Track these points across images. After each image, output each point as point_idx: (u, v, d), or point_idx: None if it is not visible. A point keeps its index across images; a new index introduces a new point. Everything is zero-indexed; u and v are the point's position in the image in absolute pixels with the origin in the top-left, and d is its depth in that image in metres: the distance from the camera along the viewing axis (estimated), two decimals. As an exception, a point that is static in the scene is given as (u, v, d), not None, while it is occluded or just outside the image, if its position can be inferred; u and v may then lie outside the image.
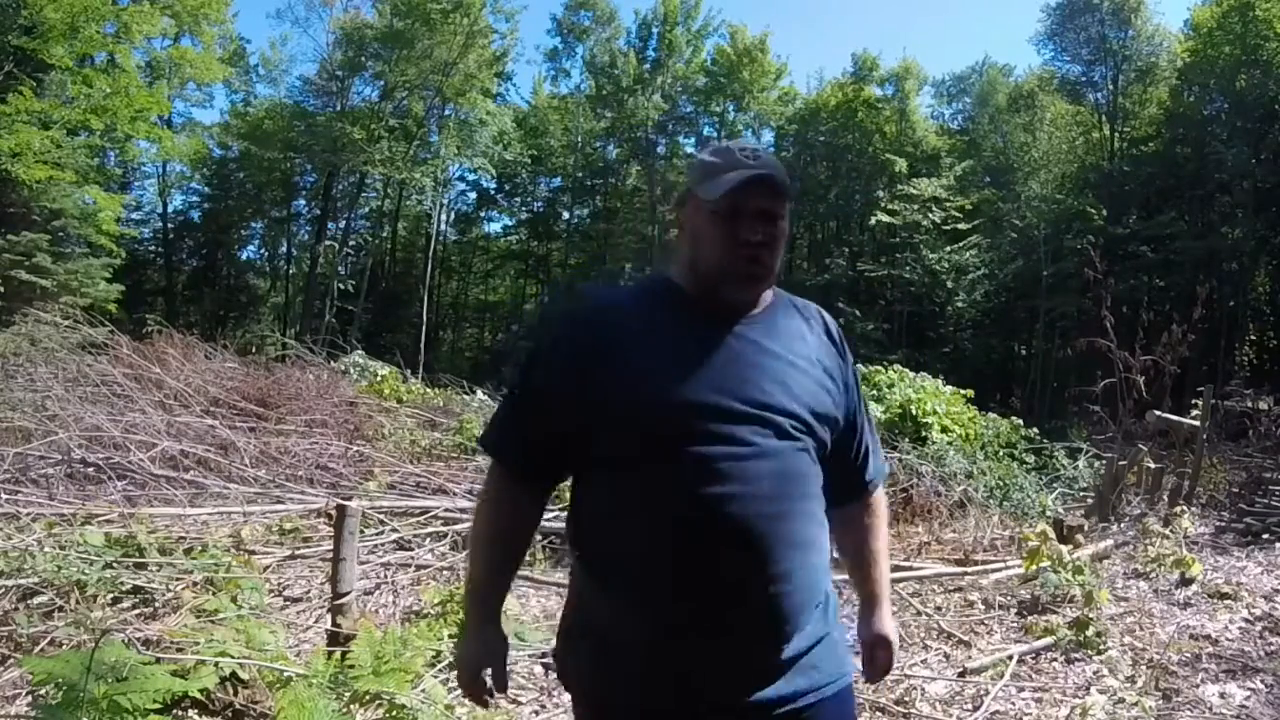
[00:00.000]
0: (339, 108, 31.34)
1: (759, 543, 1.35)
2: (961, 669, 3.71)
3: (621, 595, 1.40)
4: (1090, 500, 7.64)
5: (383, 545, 4.79)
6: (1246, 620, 4.46)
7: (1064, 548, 4.90)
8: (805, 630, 1.41)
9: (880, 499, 1.67)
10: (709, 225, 1.42)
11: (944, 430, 8.88)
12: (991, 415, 10.28)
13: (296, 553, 4.47)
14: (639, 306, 1.49)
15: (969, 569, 5.49)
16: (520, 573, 4.78)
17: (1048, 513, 7.16)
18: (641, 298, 1.53)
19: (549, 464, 1.48)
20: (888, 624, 1.63)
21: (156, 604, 3.46)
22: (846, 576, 1.71)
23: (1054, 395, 26.66)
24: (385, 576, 4.36)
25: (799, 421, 1.41)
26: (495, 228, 41.60)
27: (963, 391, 10.11)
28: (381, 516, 5.02)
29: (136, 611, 3.41)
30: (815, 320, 1.55)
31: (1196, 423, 8.08)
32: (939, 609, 4.65)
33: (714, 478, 1.34)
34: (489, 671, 1.50)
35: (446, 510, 5.43)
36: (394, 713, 2.60)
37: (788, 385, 1.42)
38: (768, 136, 35.42)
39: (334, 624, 3.18)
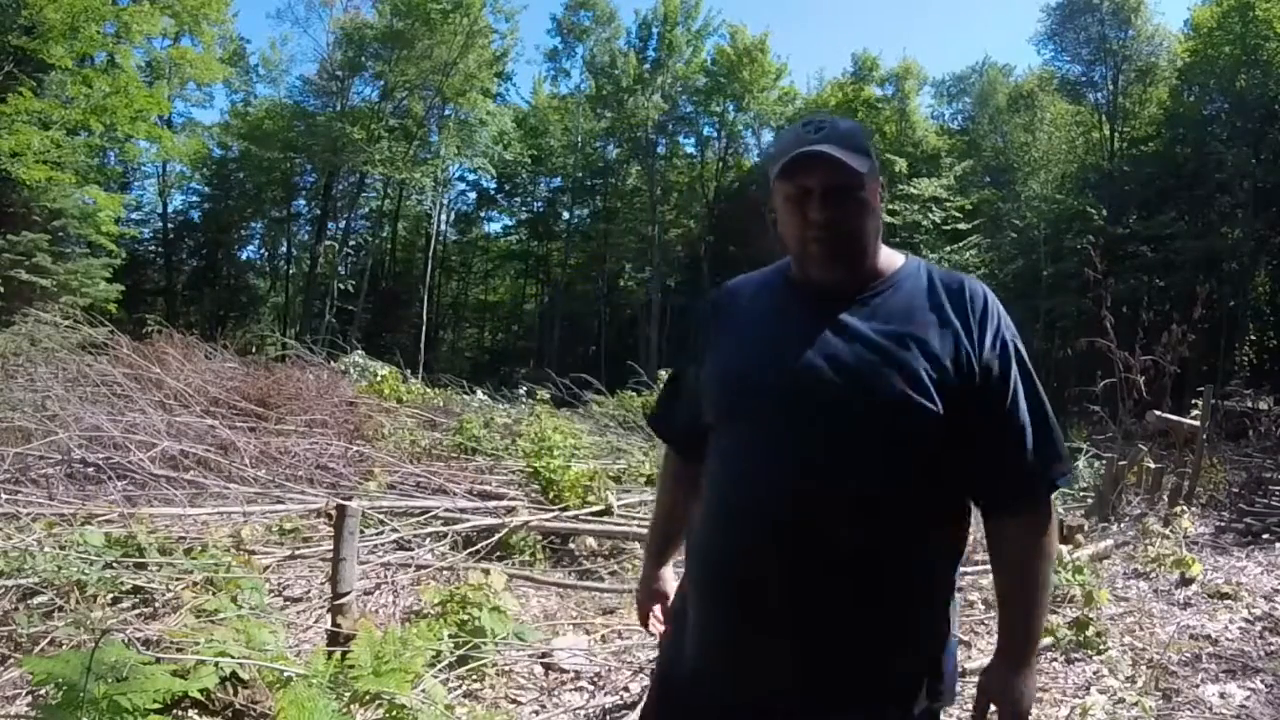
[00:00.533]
0: (339, 108, 31.35)
1: (777, 538, 1.28)
2: (961, 669, 3.70)
3: (687, 569, 1.50)
4: (1090, 500, 7.64)
5: (383, 545, 4.79)
6: (1246, 620, 4.46)
7: (1064, 548, 4.90)
8: (837, 662, 1.29)
9: (1030, 523, 1.35)
10: (782, 208, 1.40)
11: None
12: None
13: (296, 553, 4.46)
14: (757, 289, 1.51)
15: (968, 569, 5.49)
16: (520, 573, 4.81)
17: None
18: (763, 282, 1.53)
19: (691, 434, 1.52)
20: (1011, 682, 1.34)
21: (156, 604, 3.46)
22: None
23: (1054, 395, 26.51)
24: (385, 576, 4.36)
25: (850, 406, 1.28)
26: (495, 228, 41.72)
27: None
28: (381, 516, 5.01)
29: (136, 611, 3.41)
30: (950, 295, 1.35)
31: (1196, 423, 8.07)
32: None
33: (740, 458, 1.36)
34: (656, 609, 1.72)
35: (446, 510, 5.42)
36: (394, 713, 2.60)
37: (846, 364, 1.30)
38: (768, 137, 35.42)
39: (334, 624, 3.18)
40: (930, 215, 31.20)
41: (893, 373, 1.28)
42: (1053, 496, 1.35)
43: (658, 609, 1.72)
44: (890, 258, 1.43)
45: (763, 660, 1.32)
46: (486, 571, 3.90)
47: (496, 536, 5.06)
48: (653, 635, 1.74)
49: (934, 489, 1.31)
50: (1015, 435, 1.31)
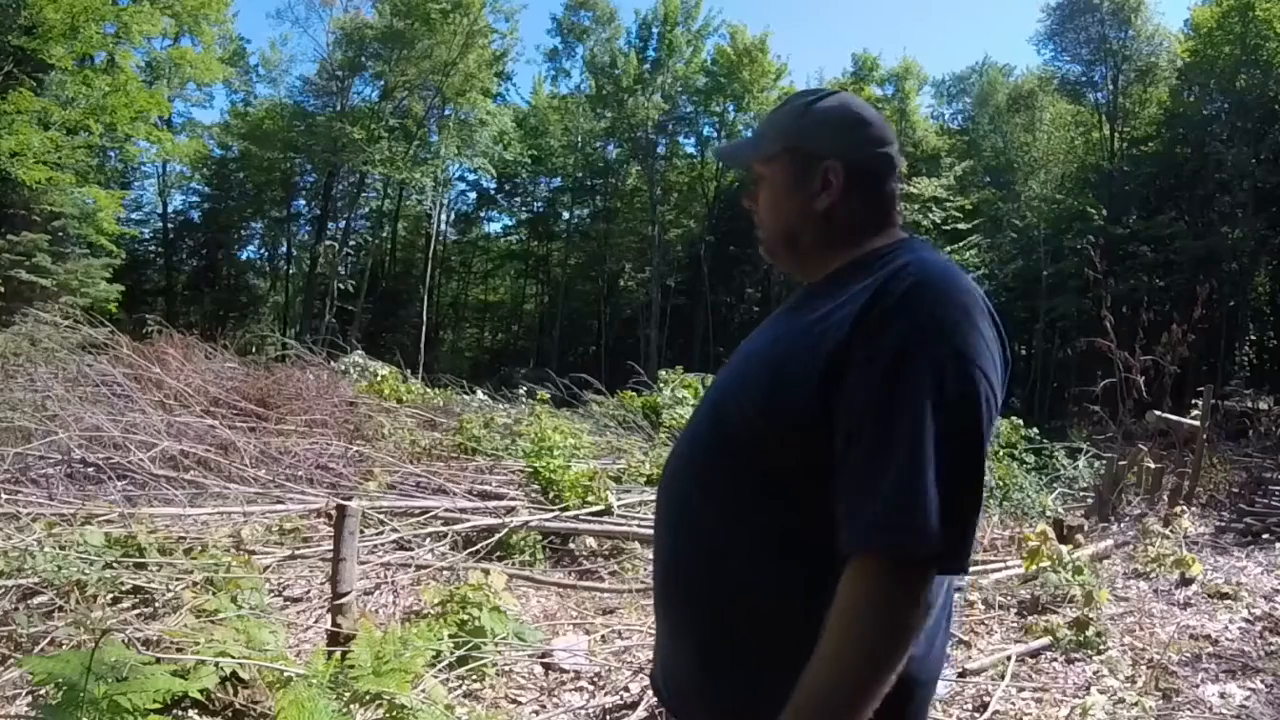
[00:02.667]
0: (339, 108, 31.36)
1: (660, 547, 1.26)
2: (961, 669, 3.71)
3: None
4: (1090, 500, 7.64)
5: (383, 545, 4.79)
6: (1246, 620, 4.46)
7: (1064, 548, 4.90)
8: (682, 669, 1.20)
9: (862, 575, 0.98)
10: None
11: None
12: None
13: (296, 553, 4.46)
14: None
15: (970, 574, 5.49)
16: (520, 573, 4.81)
17: (1048, 513, 7.16)
18: None
19: None
20: None
21: (156, 604, 3.46)
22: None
23: (1054, 395, 26.67)
24: (385, 576, 4.36)
25: (711, 413, 1.21)
26: (495, 228, 41.76)
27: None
28: (381, 516, 5.01)
29: (136, 611, 3.41)
30: (859, 294, 1.07)
31: (1196, 423, 8.08)
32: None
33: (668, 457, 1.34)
34: None
35: (446, 510, 5.42)
36: (394, 713, 2.60)
37: (734, 366, 1.24)
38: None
39: (334, 624, 3.18)
40: (930, 215, 31.23)
41: (741, 377, 1.17)
42: (890, 563, 0.97)
43: None
44: (884, 245, 1.20)
45: (661, 661, 1.28)
46: (486, 571, 3.90)
47: (496, 536, 5.06)
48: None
49: (783, 504, 1.09)
50: (860, 467, 1.00)
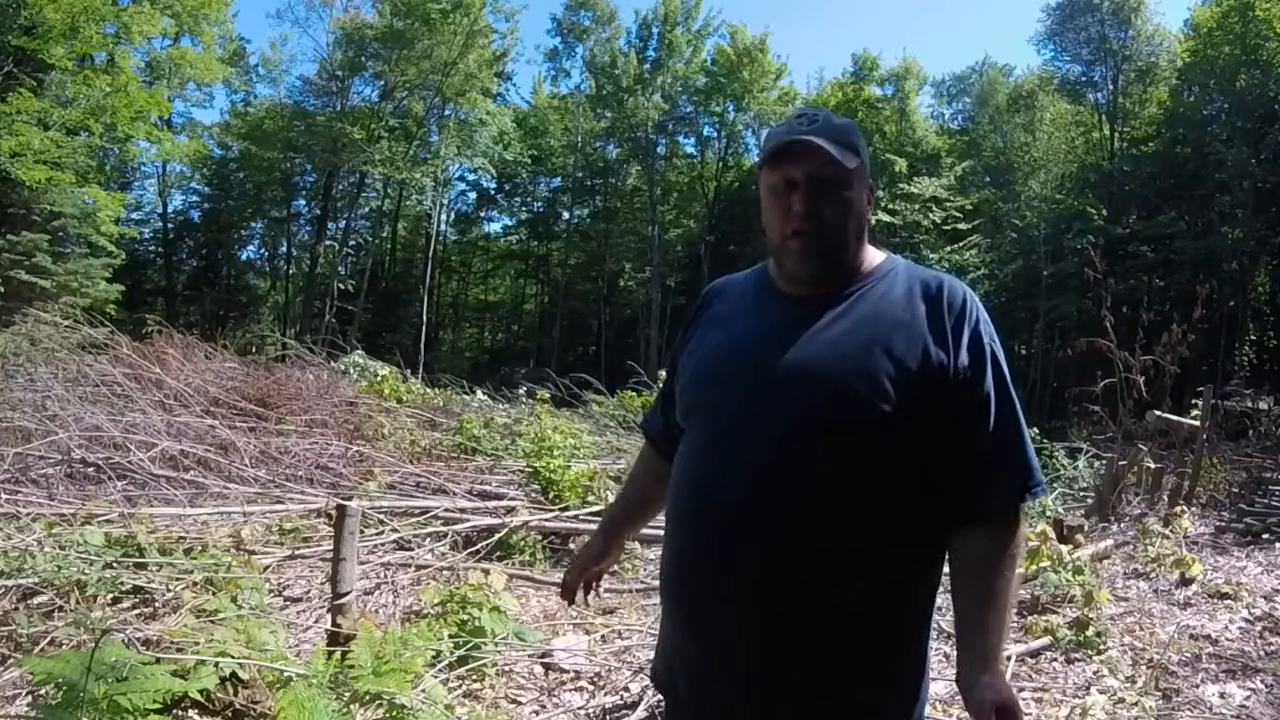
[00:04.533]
0: (339, 108, 31.35)
1: (726, 541, 1.25)
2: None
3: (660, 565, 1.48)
4: (1090, 500, 7.64)
5: (383, 545, 4.79)
6: (1246, 620, 4.46)
7: (1064, 548, 4.90)
8: (786, 675, 1.25)
9: (998, 533, 1.27)
10: (766, 199, 1.37)
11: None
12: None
13: (296, 553, 4.46)
14: (744, 287, 1.49)
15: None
16: (520, 573, 4.81)
17: (1048, 513, 7.15)
18: (749, 279, 1.50)
19: (669, 431, 1.55)
20: (986, 681, 1.20)
21: (156, 604, 3.46)
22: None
23: (1054, 395, 26.65)
24: (385, 576, 4.36)
25: (811, 410, 1.24)
26: (495, 228, 41.75)
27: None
28: (381, 516, 5.01)
29: (136, 611, 3.41)
30: (928, 295, 1.30)
31: (1196, 423, 8.07)
32: (939, 609, 4.64)
33: (703, 457, 1.34)
34: (589, 572, 1.75)
35: (446, 510, 5.42)
36: (394, 713, 2.60)
37: (807, 366, 1.26)
38: (768, 137, 35.36)
39: (334, 624, 3.18)
40: (930, 215, 31.20)
41: (852, 374, 1.23)
42: (1022, 509, 1.29)
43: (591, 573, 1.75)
44: (871, 258, 1.38)
45: (711, 666, 1.30)
46: (486, 571, 3.90)
47: (496, 536, 5.06)
48: (578, 609, 1.82)
49: (896, 497, 1.25)
50: (985, 442, 1.26)
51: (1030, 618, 4.39)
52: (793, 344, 1.28)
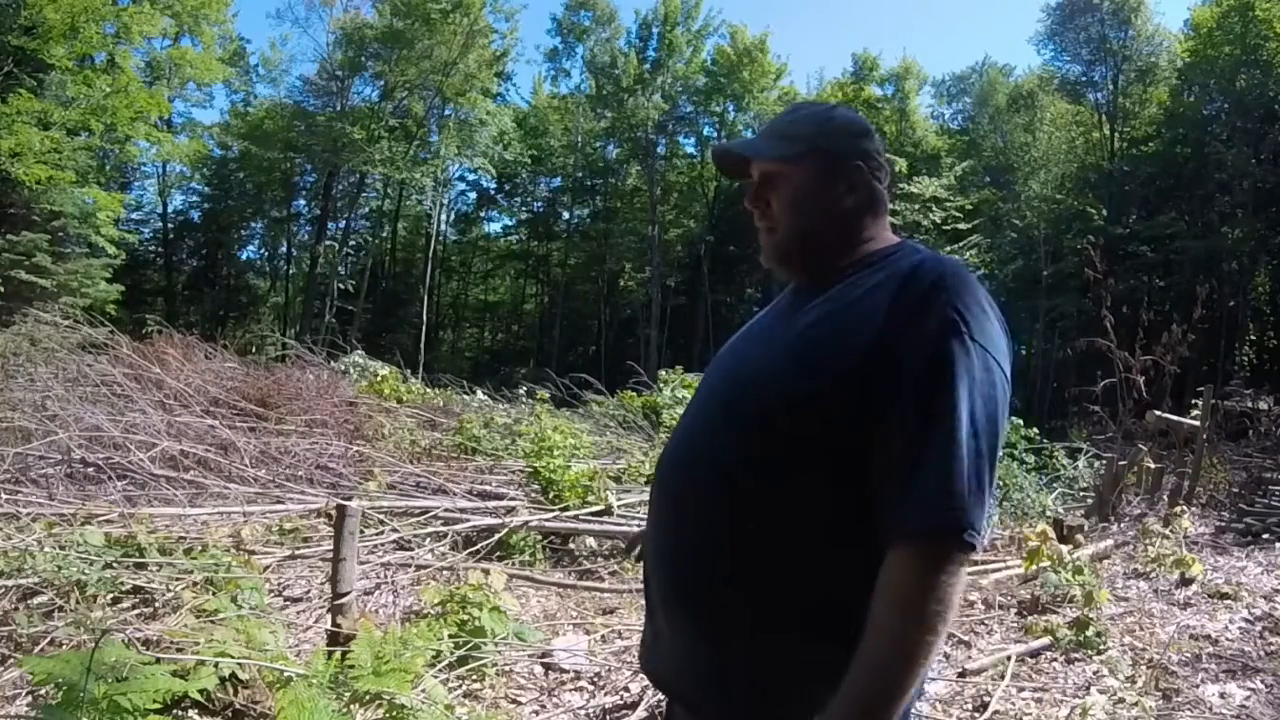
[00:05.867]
0: (339, 108, 31.35)
1: (658, 542, 1.29)
2: (961, 669, 3.71)
3: None
4: (1090, 500, 7.64)
5: (383, 545, 4.79)
6: (1246, 620, 4.46)
7: (1064, 548, 4.90)
8: (694, 670, 1.21)
9: (904, 564, 1.04)
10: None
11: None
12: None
13: (296, 553, 4.47)
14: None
15: (969, 567, 5.48)
16: (520, 573, 4.81)
17: (1048, 513, 7.16)
18: None
19: None
20: None
21: (156, 604, 3.46)
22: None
23: (1054, 395, 26.65)
24: (385, 576, 4.36)
25: (729, 405, 1.21)
26: (495, 228, 41.77)
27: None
28: (381, 516, 5.02)
29: (136, 611, 3.41)
30: (879, 290, 1.15)
31: (1196, 423, 8.07)
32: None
33: (666, 448, 1.37)
34: None
35: (446, 510, 5.42)
36: (394, 713, 2.60)
37: (736, 365, 1.28)
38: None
39: (334, 624, 3.18)
40: (930, 215, 31.20)
41: (766, 371, 1.18)
42: (936, 551, 1.03)
43: None
44: (877, 245, 1.27)
45: (657, 648, 1.31)
46: (486, 571, 3.90)
47: (496, 536, 5.06)
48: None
49: (815, 496, 1.12)
50: (908, 453, 1.05)
51: (1030, 618, 4.39)
52: (755, 339, 1.31)
